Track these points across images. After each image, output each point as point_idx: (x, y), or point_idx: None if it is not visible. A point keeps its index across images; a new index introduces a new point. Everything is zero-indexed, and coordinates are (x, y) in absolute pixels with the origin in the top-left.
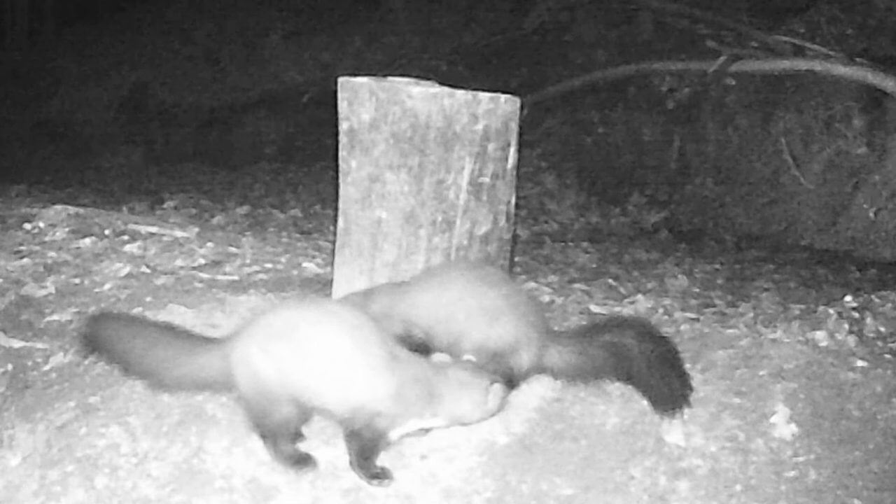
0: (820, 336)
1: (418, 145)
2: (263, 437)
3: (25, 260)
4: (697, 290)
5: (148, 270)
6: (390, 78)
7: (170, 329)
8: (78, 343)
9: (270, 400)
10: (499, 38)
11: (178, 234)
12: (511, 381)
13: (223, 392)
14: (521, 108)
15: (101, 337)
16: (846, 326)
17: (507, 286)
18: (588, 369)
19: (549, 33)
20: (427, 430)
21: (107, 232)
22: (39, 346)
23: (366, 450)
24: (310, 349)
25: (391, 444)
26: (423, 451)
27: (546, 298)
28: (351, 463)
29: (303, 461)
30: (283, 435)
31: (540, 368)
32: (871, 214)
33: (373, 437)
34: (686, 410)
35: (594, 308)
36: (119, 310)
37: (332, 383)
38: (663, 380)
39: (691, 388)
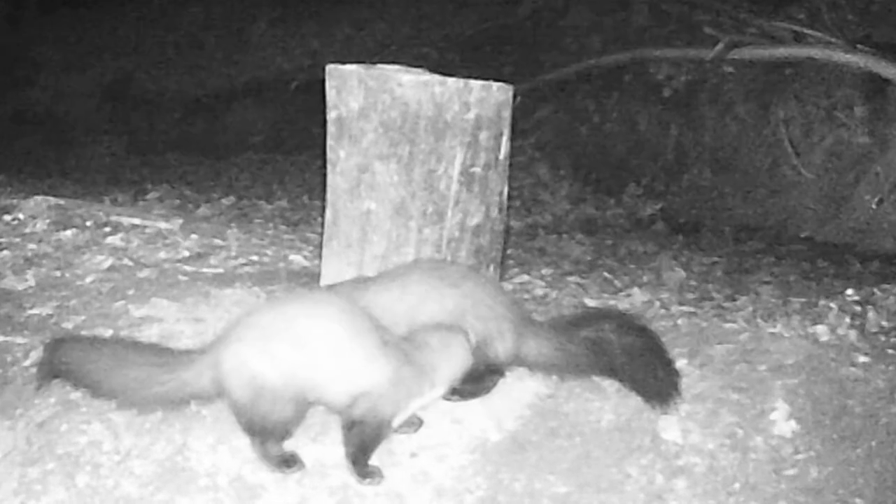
0: (821, 330)
1: (408, 134)
2: (254, 438)
3: (5, 252)
4: (695, 283)
5: (131, 263)
6: (380, 65)
7: (137, 346)
8: (37, 371)
9: (272, 402)
10: (491, 25)
11: (162, 225)
12: (494, 371)
13: (206, 403)
14: (514, 96)
15: (63, 363)
16: (847, 320)
17: (469, 283)
18: (567, 366)
19: (543, 19)
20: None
21: (88, 224)
22: (19, 340)
23: (366, 442)
24: (308, 342)
25: (392, 432)
26: (413, 448)
27: (539, 292)
28: (347, 456)
29: (290, 461)
30: (277, 437)
31: (518, 360)
32: (873, 205)
33: (376, 425)
34: (681, 404)
35: (589, 302)
36: (101, 304)
37: (335, 374)
38: (648, 372)
39: (679, 377)
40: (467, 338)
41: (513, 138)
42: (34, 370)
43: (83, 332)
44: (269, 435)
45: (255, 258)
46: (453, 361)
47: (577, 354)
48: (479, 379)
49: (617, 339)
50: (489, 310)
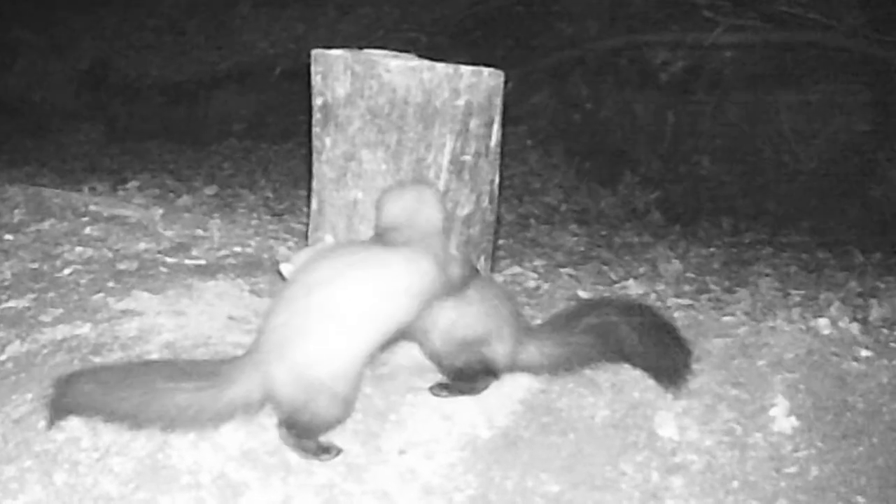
0: (822, 324)
1: (396, 122)
2: (299, 434)
3: None
4: (692, 275)
5: (110, 254)
6: (366, 50)
7: (165, 367)
8: (49, 409)
9: (329, 402)
10: (482, 8)
11: (142, 215)
12: (489, 371)
13: (254, 413)
14: (506, 82)
15: (81, 399)
16: (850, 313)
17: (478, 280)
18: (575, 358)
19: (536, 3)
20: None
21: (67, 213)
22: None
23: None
24: (370, 307)
25: None
26: (401, 445)
27: (532, 284)
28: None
29: (329, 448)
30: (326, 432)
31: (518, 366)
32: (876, 195)
33: None
34: (680, 402)
35: (582, 294)
36: (80, 296)
37: (405, 306)
38: (661, 349)
39: (691, 353)
40: (433, 194)
41: (504, 125)
42: (11, 364)
43: (100, 362)
44: (320, 432)
45: (238, 249)
46: (433, 218)
47: (582, 344)
48: (472, 378)
49: (623, 320)
50: (492, 309)
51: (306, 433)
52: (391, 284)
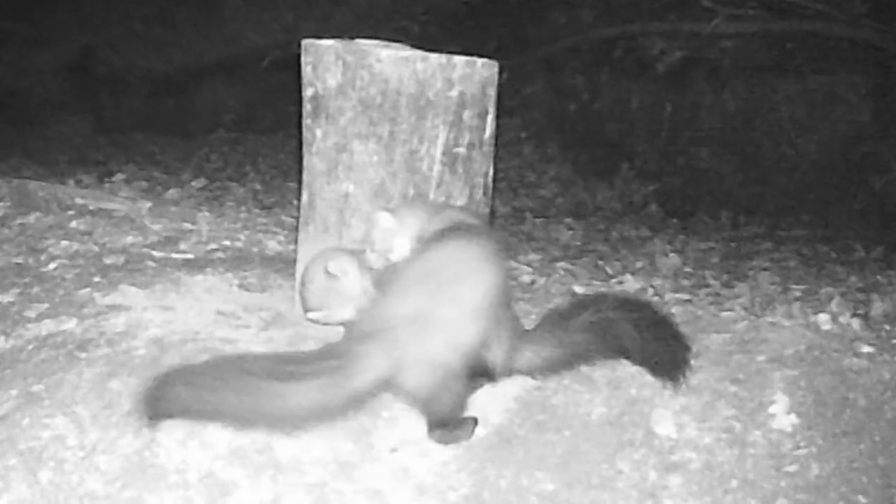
0: (822, 319)
1: (388, 113)
2: (444, 423)
3: None
4: (690, 269)
5: (96, 248)
6: (358, 40)
7: (280, 358)
8: (143, 411)
9: (460, 379)
10: None
11: (129, 208)
12: (486, 374)
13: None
14: (500, 72)
15: (178, 401)
16: (850, 309)
17: None
18: (572, 358)
19: None
20: None
21: (52, 207)
22: None
23: None
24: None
25: None
26: (394, 443)
27: (527, 279)
28: None
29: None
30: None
31: (514, 371)
32: (878, 187)
33: None
34: (678, 399)
35: (578, 289)
36: (66, 291)
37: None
38: (660, 343)
39: (689, 349)
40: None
41: (498, 117)
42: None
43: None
44: (445, 413)
45: (227, 243)
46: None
47: (580, 342)
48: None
49: (620, 316)
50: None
51: (434, 415)
52: (497, 277)
